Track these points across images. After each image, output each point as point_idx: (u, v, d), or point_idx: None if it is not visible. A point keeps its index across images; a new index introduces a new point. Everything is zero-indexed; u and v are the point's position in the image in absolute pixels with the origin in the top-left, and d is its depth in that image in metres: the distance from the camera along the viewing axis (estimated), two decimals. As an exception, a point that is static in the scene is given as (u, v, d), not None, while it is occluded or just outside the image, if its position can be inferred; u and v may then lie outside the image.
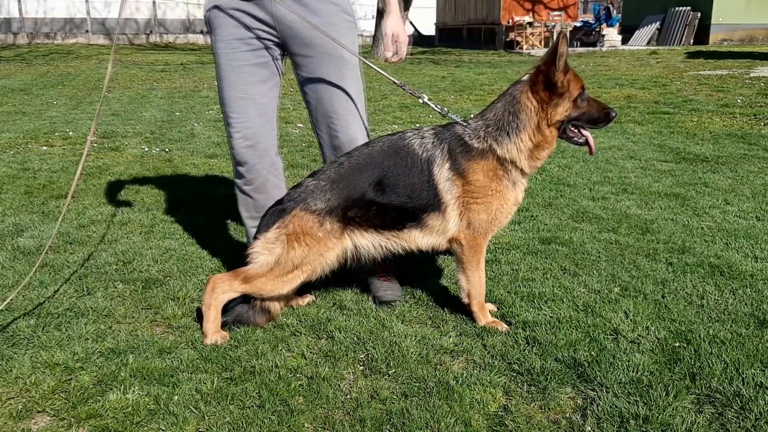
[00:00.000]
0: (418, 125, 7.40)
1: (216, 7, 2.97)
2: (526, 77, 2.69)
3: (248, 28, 2.96)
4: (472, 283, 2.83)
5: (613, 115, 2.75)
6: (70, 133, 7.37)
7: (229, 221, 4.25)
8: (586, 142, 2.76)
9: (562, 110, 2.64)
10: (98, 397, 2.31)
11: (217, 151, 6.49)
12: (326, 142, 3.11)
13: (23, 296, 3.07)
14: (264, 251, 2.73)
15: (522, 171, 2.73)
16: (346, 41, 2.98)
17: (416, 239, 2.80)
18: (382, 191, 2.71)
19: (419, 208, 2.73)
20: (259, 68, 3.02)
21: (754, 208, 4.44)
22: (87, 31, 26.90)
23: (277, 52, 3.05)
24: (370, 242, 2.78)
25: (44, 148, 6.59)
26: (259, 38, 2.98)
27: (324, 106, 3.05)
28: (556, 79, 2.57)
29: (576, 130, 2.74)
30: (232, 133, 3.05)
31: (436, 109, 2.97)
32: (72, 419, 2.20)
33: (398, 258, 2.95)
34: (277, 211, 2.76)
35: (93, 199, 4.72)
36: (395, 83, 3.06)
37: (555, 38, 2.61)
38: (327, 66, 3.00)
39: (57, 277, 3.32)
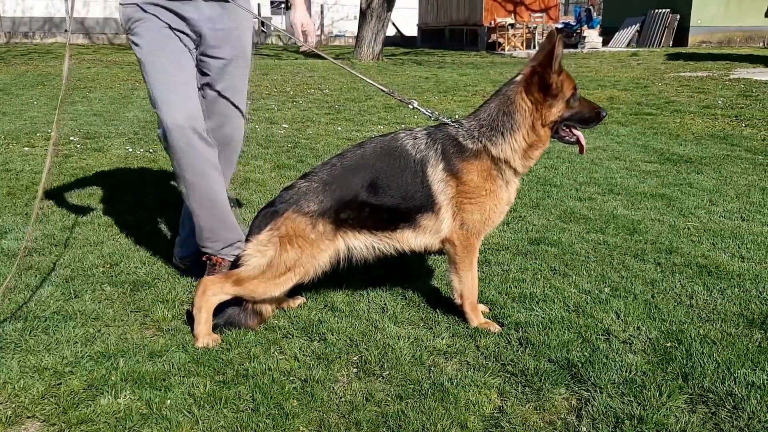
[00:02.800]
0: (403, 126, 7.40)
1: (135, 4, 2.97)
2: (519, 78, 2.70)
3: (169, 25, 3.00)
4: (465, 283, 2.83)
5: (604, 114, 2.78)
6: (52, 133, 7.26)
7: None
8: (577, 141, 2.78)
9: (556, 111, 2.65)
10: (89, 402, 2.28)
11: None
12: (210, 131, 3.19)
13: (9, 299, 3.02)
14: (256, 253, 2.70)
15: (515, 171, 2.74)
16: (250, 41, 3.23)
17: (409, 240, 2.79)
18: (375, 192, 2.70)
19: (413, 208, 2.72)
20: (189, 56, 3.08)
21: (738, 208, 4.49)
22: (66, 30, 26.58)
23: (192, 45, 3.11)
24: (362, 243, 2.77)
25: (26, 148, 6.50)
26: (179, 30, 3.03)
27: (221, 105, 3.22)
28: (551, 81, 2.58)
29: (567, 130, 2.76)
30: (175, 116, 2.90)
31: (426, 113, 2.97)
32: (63, 424, 2.17)
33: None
34: (269, 213, 2.74)
35: (77, 201, 4.66)
36: (384, 91, 3.05)
37: (546, 38, 2.61)
38: (235, 68, 3.19)
39: (43, 280, 3.27)
